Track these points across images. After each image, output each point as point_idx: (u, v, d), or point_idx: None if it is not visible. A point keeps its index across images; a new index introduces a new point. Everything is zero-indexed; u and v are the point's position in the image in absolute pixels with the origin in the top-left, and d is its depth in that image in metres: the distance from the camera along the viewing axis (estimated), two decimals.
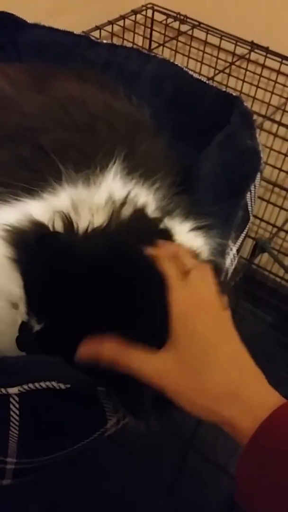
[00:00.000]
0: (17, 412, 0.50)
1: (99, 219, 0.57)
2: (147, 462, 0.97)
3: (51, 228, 0.56)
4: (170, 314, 0.50)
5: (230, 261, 0.70)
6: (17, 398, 0.50)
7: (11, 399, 0.50)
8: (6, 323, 0.57)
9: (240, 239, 0.73)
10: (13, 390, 0.49)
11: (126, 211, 0.60)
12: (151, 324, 0.51)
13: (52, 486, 0.91)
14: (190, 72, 0.86)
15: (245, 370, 0.50)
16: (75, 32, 0.98)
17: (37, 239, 0.54)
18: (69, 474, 0.94)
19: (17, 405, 0.50)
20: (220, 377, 0.48)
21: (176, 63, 0.89)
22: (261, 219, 1.24)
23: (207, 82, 0.85)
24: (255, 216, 1.21)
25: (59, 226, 0.56)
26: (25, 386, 0.49)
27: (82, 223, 0.57)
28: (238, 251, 0.73)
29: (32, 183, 0.62)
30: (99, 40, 0.98)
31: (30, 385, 0.49)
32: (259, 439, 0.45)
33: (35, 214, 0.59)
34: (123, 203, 0.60)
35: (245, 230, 0.74)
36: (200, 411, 0.49)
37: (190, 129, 0.82)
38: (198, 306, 0.51)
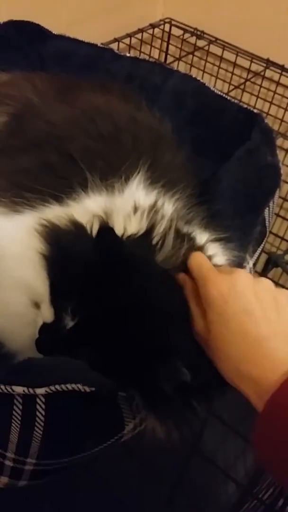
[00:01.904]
0: (43, 413, 0.51)
1: (132, 227, 0.59)
2: (150, 465, 0.98)
3: (89, 230, 0.57)
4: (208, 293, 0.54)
5: None
6: (43, 399, 0.51)
7: (38, 400, 0.51)
8: (24, 322, 0.58)
9: (257, 253, 0.74)
10: (41, 391, 0.50)
11: (158, 221, 0.61)
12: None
13: (53, 487, 0.92)
14: (212, 88, 0.88)
15: (256, 350, 0.51)
16: (98, 44, 1.00)
17: (100, 230, 0.55)
18: (71, 475, 0.94)
19: (43, 406, 0.51)
20: (231, 357, 0.51)
21: (198, 78, 0.91)
22: (271, 232, 1.26)
23: (228, 98, 0.87)
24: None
25: (96, 230, 0.57)
26: (52, 387, 0.50)
27: (117, 228, 0.58)
28: (254, 265, 0.75)
29: (59, 189, 0.63)
30: (122, 53, 1.00)
31: (57, 386, 0.50)
32: (280, 395, 0.46)
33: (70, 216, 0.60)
34: (152, 213, 0.62)
35: (262, 245, 0.75)
36: (223, 375, 0.52)
37: (210, 143, 0.84)
38: (229, 288, 0.53)
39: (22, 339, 0.59)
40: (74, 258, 0.56)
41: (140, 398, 0.54)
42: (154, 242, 0.59)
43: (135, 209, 0.61)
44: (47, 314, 0.56)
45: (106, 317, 0.53)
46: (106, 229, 0.55)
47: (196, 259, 0.58)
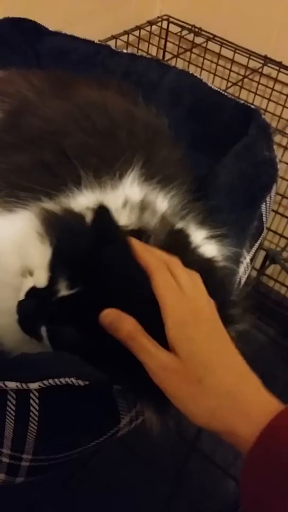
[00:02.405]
0: (37, 407, 0.51)
1: (121, 222, 0.58)
2: (149, 463, 0.98)
3: (86, 219, 0.57)
4: (167, 320, 0.50)
5: (243, 270, 0.72)
6: (37, 394, 0.51)
7: (31, 395, 0.51)
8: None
9: (254, 248, 0.74)
10: (34, 386, 0.50)
11: (148, 216, 0.61)
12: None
13: (53, 487, 0.92)
14: (209, 84, 0.88)
15: (243, 376, 0.50)
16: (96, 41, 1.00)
17: (96, 213, 0.55)
18: (71, 474, 0.94)
19: (37, 401, 0.51)
20: (220, 384, 0.49)
21: (195, 74, 0.91)
22: (269, 229, 1.26)
23: (225, 93, 0.87)
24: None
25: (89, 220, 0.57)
26: (45, 382, 0.50)
27: None
28: (251, 260, 0.74)
29: (53, 187, 0.63)
30: (119, 50, 0.99)
31: (50, 380, 0.50)
32: (260, 446, 0.45)
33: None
34: (142, 208, 0.61)
35: (259, 240, 0.75)
36: (200, 418, 0.49)
37: (207, 139, 0.84)
38: (193, 314, 0.51)
39: (16, 336, 0.58)
40: (74, 234, 0.56)
41: (132, 389, 0.54)
42: (145, 237, 0.58)
43: (125, 204, 0.61)
44: (40, 278, 0.55)
45: (98, 297, 0.52)
46: (103, 208, 0.55)
47: (160, 276, 0.54)
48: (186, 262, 0.57)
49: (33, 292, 0.54)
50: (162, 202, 0.65)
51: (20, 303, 0.54)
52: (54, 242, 0.56)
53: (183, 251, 0.59)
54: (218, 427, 0.49)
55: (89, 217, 0.57)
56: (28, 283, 0.55)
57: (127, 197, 0.62)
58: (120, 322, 0.50)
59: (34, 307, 0.53)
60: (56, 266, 0.54)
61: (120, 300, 0.51)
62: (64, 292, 0.52)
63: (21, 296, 0.54)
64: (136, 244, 0.55)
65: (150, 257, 0.54)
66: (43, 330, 0.53)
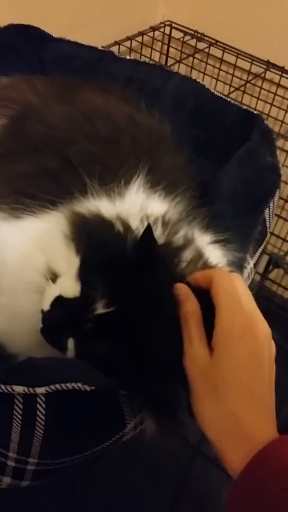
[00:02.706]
0: (43, 412, 0.51)
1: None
2: (153, 466, 0.98)
3: (116, 226, 0.57)
4: (217, 325, 0.51)
5: (247, 275, 0.72)
6: (43, 398, 0.51)
7: (38, 399, 0.51)
8: (30, 325, 0.57)
9: (258, 253, 0.75)
10: (41, 390, 0.50)
11: (160, 228, 0.60)
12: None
13: (57, 490, 0.92)
14: (212, 89, 0.88)
15: (258, 406, 0.49)
16: (99, 48, 1.01)
17: (147, 228, 0.54)
18: (75, 477, 0.94)
19: (43, 405, 0.51)
20: (229, 402, 0.49)
21: (198, 80, 0.91)
22: (273, 234, 1.26)
23: (227, 99, 0.87)
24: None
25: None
26: (52, 387, 0.50)
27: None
28: (255, 265, 0.75)
29: (58, 195, 0.63)
30: (122, 56, 1.00)
31: (57, 385, 0.50)
32: (247, 476, 0.45)
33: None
34: (154, 218, 0.61)
35: (262, 245, 0.75)
36: (201, 420, 0.50)
37: (210, 145, 0.85)
38: (243, 331, 0.51)
39: (27, 342, 0.58)
40: (108, 246, 0.55)
41: (140, 399, 0.55)
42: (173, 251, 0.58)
43: (148, 217, 0.60)
44: (67, 287, 0.54)
45: (131, 314, 0.52)
46: (149, 229, 0.54)
47: (224, 282, 0.54)
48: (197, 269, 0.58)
49: (60, 302, 0.54)
50: (170, 210, 0.65)
51: (47, 314, 0.53)
52: (83, 250, 0.55)
53: (195, 259, 0.59)
54: (212, 438, 0.49)
55: (118, 226, 0.56)
56: (53, 291, 0.54)
57: (138, 207, 0.63)
58: (186, 300, 0.53)
59: (61, 318, 0.53)
60: (87, 278, 0.53)
61: (155, 321, 0.52)
62: (101, 310, 0.52)
63: (46, 305, 0.54)
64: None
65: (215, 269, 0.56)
66: (71, 342, 0.53)
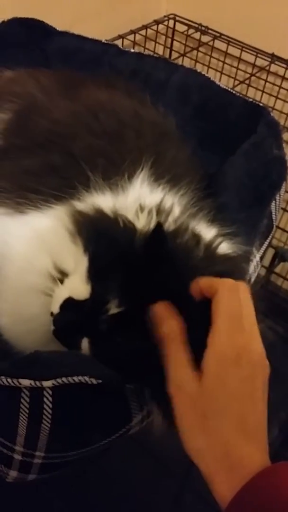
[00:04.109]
0: (50, 405, 0.51)
1: (140, 226, 0.57)
2: (158, 458, 0.98)
3: (120, 222, 0.56)
4: (209, 347, 0.48)
5: (253, 268, 0.72)
6: (50, 392, 0.51)
7: (45, 393, 0.51)
8: (37, 324, 0.57)
9: (264, 246, 0.74)
10: (47, 384, 0.50)
11: (169, 223, 0.59)
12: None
13: (63, 482, 0.92)
14: (217, 82, 0.88)
15: (250, 435, 0.47)
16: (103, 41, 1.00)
17: (156, 227, 0.52)
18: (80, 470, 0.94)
19: (50, 399, 0.51)
20: (220, 432, 0.47)
21: (203, 73, 0.91)
22: (279, 227, 1.26)
23: (233, 92, 0.87)
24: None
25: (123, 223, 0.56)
26: (59, 380, 0.50)
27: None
28: (261, 258, 0.75)
29: (62, 190, 0.63)
30: (126, 49, 1.00)
31: (64, 379, 0.50)
32: (235, 507, 0.44)
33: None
34: (158, 211, 0.60)
35: (269, 238, 0.75)
36: (188, 449, 0.48)
37: (216, 137, 0.84)
38: (239, 355, 0.48)
39: (33, 341, 0.58)
40: (115, 244, 0.54)
41: (148, 392, 0.54)
42: (181, 242, 0.56)
43: (142, 208, 0.60)
44: (77, 289, 0.54)
45: (144, 312, 0.51)
46: (160, 227, 0.52)
47: (229, 297, 0.51)
48: (210, 263, 0.56)
49: (70, 304, 0.53)
50: (175, 203, 0.65)
51: (58, 316, 0.53)
52: (90, 250, 0.54)
53: (206, 253, 0.58)
54: (200, 467, 0.47)
55: (122, 222, 0.56)
56: (62, 293, 0.54)
57: (143, 201, 0.62)
58: (165, 319, 0.50)
59: (74, 320, 0.53)
60: (98, 279, 0.53)
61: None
62: (114, 310, 0.51)
63: (56, 308, 0.54)
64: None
65: (220, 279, 0.52)
66: (85, 342, 0.53)
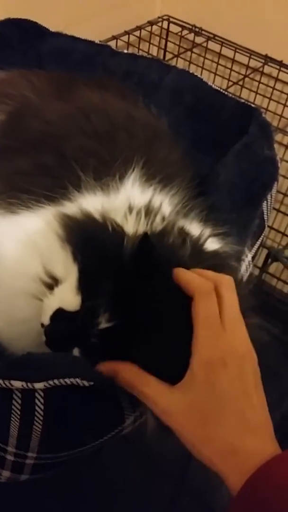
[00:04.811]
0: (42, 407, 0.51)
1: (129, 227, 0.57)
2: (153, 460, 0.98)
3: (109, 226, 0.56)
4: (194, 355, 0.49)
5: (245, 268, 0.72)
6: (42, 393, 0.51)
7: (37, 394, 0.51)
8: (29, 327, 0.57)
9: (256, 246, 0.75)
10: (39, 385, 0.50)
11: (156, 223, 0.59)
12: (171, 358, 0.51)
13: (57, 483, 0.92)
14: (210, 83, 0.88)
15: (253, 430, 0.48)
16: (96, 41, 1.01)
17: (143, 238, 0.52)
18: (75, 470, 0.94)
19: (42, 400, 0.51)
20: (222, 435, 0.47)
21: (195, 74, 0.91)
22: (272, 228, 1.26)
23: (225, 93, 0.87)
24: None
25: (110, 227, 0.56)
26: (51, 382, 0.50)
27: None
28: (253, 258, 0.75)
29: (53, 190, 0.63)
30: (120, 50, 1.00)
31: (56, 381, 0.50)
32: (244, 495, 0.45)
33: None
34: (148, 212, 0.60)
35: (261, 238, 0.75)
36: (199, 458, 0.48)
37: (208, 138, 0.85)
38: (224, 356, 0.49)
39: (25, 343, 0.58)
40: (105, 252, 0.54)
41: None
42: (167, 243, 0.56)
43: (131, 209, 0.60)
44: (67, 299, 0.54)
45: (134, 326, 0.51)
46: (147, 238, 0.52)
47: (204, 303, 0.51)
48: (198, 260, 0.56)
49: (60, 315, 0.53)
50: (166, 203, 0.65)
51: (48, 328, 0.53)
52: (80, 260, 0.54)
53: (194, 250, 0.58)
54: (212, 468, 0.48)
55: (111, 226, 0.55)
56: (52, 304, 0.54)
57: (132, 201, 0.62)
58: (116, 372, 0.51)
59: (65, 331, 0.53)
60: (88, 291, 0.53)
61: (157, 334, 0.51)
62: (104, 325, 0.51)
63: (46, 319, 0.54)
64: (181, 271, 0.52)
65: (196, 279, 0.51)
66: (76, 351, 0.54)
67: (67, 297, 0.54)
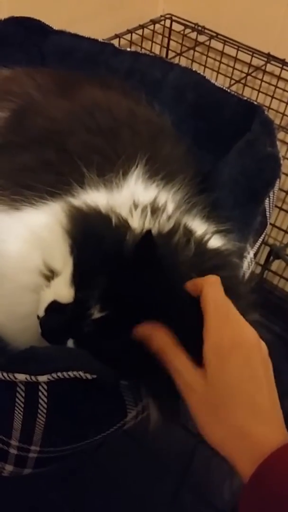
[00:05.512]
0: (45, 400, 0.52)
1: (134, 223, 0.58)
2: (155, 456, 0.98)
3: (113, 220, 0.56)
4: (206, 342, 0.50)
5: (247, 265, 0.72)
6: (45, 387, 0.52)
7: (40, 387, 0.51)
8: (31, 322, 0.57)
9: (258, 243, 0.75)
10: (43, 378, 0.51)
11: (163, 221, 0.60)
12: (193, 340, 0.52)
13: (60, 477, 0.92)
14: (212, 81, 0.88)
15: (262, 413, 0.49)
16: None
17: (146, 235, 0.52)
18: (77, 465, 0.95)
19: (45, 393, 0.52)
20: (233, 418, 0.48)
21: (198, 72, 0.92)
22: (274, 225, 1.26)
23: (228, 90, 0.88)
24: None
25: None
26: (54, 375, 0.51)
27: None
28: (255, 255, 0.75)
29: (57, 186, 0.64)
30: (123, 49, 1.00)
31: (59, 374, 0.51)
32: (255, 483, 0.45)
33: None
34: (153, 209, 0.60)
35: (263, 235, 0.76)
36: (211, 441, 0.49)
37: (211, 136, 0.85)
38: (234, 340, 0.50)
39: (27, 338, 0.58)
40: (103, 246, 0.54)
41: (144, 388, 0.55)
42: (173, 243, 0.57)
43: (136, 205, 0.60)
44: (61, 292, 0.55)
45: (129, 316, 0.52)
46: (149, 234, 0.52)
47: (213, 292, 0.53)
48: (201, 260, 0.57)
49: (54, 307, 0.54)
50: (169, 200, 0.65)
51: (43, 320, 0.54)
52: (76, 253, 0.55)
53: (197, 250, 0.58)
54: (223, 454, 0.49)
55: (114, 220, 0.56)
56: (47, 297, 0.55)
57: (136, 198, 0.62)
58: (151, 337, 0.51)
59: (58, 322, 0.54)
60: (81, 283, 0.54)
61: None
62: (97, 315, 0.52)
63: (41, 311, 0.55)
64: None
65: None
66: (70, 342, 0.54)
67: (62, 289, 0.55)
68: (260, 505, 0.44)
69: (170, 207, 0.64)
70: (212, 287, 0.52)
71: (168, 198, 0.65)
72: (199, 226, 0.65)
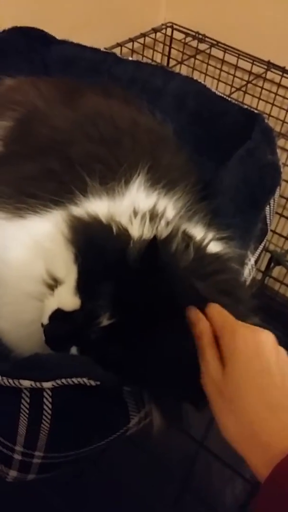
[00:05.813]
0: (50, 406, 0.53)
1: (133, 231, 0.59)
2: (158, 461, 0.99)
3: (114, 228, 0.57)
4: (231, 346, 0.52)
5: (248, 272, 0.73)
6: (50, 393, 0.52)
7: (45, 393, 0.52)
8: (34, 329, 0.58)
9: (258, 250, 0.76)
10: (47, 385, 0.52)
11: (161, 227, 0.60)
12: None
13: (63, 481, 0.92)
14: (213, 90, 0.89)
15: (275, 409, 0.48)
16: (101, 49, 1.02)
17: (151, 242, 0.54)
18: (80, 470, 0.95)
19: (50, 399, 0.52)
20: (245, 411, 0.49)
21: (199, 80, 0.93)
22: (274, 232, 1.27)
23: (229, 99, 0.89)
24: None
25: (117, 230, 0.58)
26: (59, 381, 0.52)
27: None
28: (256, 262, 0.76)
29: (60, 194, 0.65)
30: (125, 57, 1.01)
31: (63, 380, 0.52)
32: (270, 487, 0.45)
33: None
34: (152, 216, 0.61)
35: (263, 242, 0.76)
36: (225, 433, 0.50)
37: (211, 144, 0.86)
38: (257, 345, 0.51)
39: (32, 345, 0.59)
40: (105, 255, 0.55)
41: (147, 395, 0.56)
42: (172, 249, 0.57)
43: (135, 213, 0.61)
44: (65, 299, 0.55)
45: (136, 323, 0.53)
46: (154, 240, 0.54)
47: (217, 308, 0.56)
48: (201, 265, 0.58)
49: (59, 315, 0.55)
50: (170, 207, 0.66)
51: (47, 328, 0.55)
52: (80, 261, 0.56)
53: (196, 255, 0.59)
54: (236, 448, 0.49)
55: (116, 229, 0.57)
56: (51, 304, 0.56)
57: (137, 205, 0.63)
58: (197, 321, 0.54)
59: (63, 332, 0.55)
60: (87, 291, 0.55)
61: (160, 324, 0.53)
62: (105, 322, 0.53)
63: (45, 319, 0.55)
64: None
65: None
66: (74, 349, 0.55)
67: (65, 297, 0.56)
68: (278, 505, 0.44)
69: (170, 214, 0.65)
70: (214, 308, 0.55)
71: (168, 206, 0.66)
72: (199, 233, 0.65)
